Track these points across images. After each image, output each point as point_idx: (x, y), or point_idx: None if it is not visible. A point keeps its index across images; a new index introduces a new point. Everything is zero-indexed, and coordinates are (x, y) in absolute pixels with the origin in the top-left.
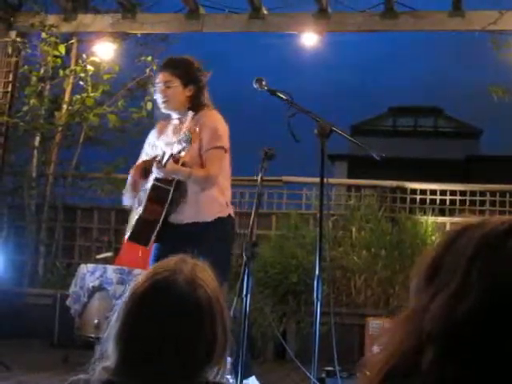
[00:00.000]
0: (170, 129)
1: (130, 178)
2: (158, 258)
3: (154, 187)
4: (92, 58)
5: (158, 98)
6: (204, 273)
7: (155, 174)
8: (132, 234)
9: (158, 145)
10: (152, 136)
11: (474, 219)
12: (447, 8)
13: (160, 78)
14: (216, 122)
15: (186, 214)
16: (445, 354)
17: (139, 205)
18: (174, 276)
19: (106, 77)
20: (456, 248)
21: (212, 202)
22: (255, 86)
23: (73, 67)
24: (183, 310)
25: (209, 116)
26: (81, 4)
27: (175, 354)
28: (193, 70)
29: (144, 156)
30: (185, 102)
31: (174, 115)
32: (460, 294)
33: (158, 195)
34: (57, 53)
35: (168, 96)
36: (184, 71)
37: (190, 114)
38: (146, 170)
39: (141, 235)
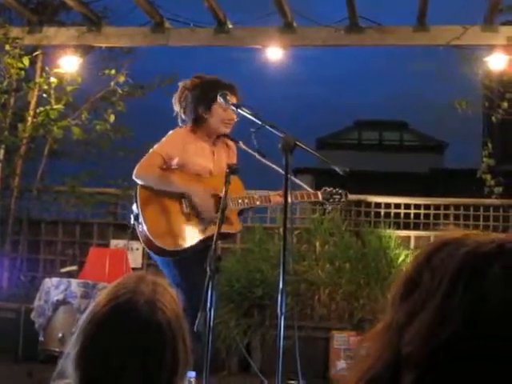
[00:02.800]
0: (207, 150)
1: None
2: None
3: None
4: (56, 70)
5: (229, 117)
6: (164, 293)
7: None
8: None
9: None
10: (186, 141)
11: (454, 233)
12: (412, 23)
13: (234, 100)
14: None
15: None
16: (424, 379)
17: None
18: (135, 298)
19: (69, 89)
20: (435, 263)
21: None
22: (220, 100)
23: (37, 79)
24: (144, 333)
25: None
26: (46, 17)
27: (137, 377)
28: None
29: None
30: None
31: (208, 133)
32: (441, 319)
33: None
34: (21, 65)
35: (234, 121)
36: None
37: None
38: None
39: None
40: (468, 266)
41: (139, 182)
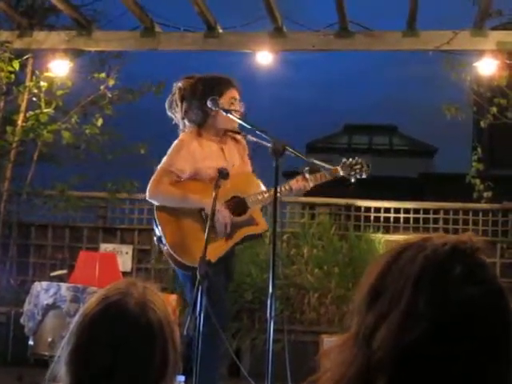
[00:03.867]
0: (217, 150)
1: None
2: None
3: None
4: (46, 74)
5: (236, 112)
6: (154, 296)
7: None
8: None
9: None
10: (192, 148)
11: (412, 237)
12: (402, 28)
13: (235, 93)
14: None
15: None
16: (396, 383)
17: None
18: (125, 299)
19: (59, 93)
20: (397, 269)
21: None
22: (209, 105)
23: (27, 83)
24: (134, 333)
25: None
26: (36, 20)
27: (127, 378)
28: None
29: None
30: None
31: (216, 131)
32: (407, 323)
33: None
34: (11, 69)
35: (241, 113)
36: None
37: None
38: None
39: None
40: (428, 270)
41: (153, 202)
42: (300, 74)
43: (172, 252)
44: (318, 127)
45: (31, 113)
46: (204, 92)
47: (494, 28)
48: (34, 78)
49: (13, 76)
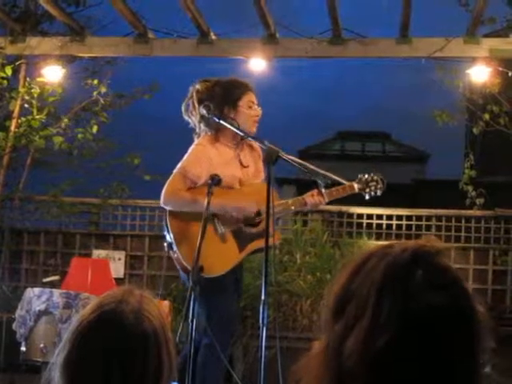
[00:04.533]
0: (233, 156)
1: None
2: None
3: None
4: (39, 79)
5: (255, 115)
6: (150, 304)
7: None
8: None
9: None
10: (209, 154)
11: (375, 246)
12: (395, 35)
13: (252, 97)
14: None
15: None
16: None
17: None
18: (121, 307)
19: (50, 99)
20: (361, 278)
21: None
22: (202, 111)
23: (20, 89)
24: (129, 341)
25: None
26: (29, 26)
27: None
28: None
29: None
30: None
31: (233, 137)
32: (373, 331)
33: None
34: (3, 74)
35: (259, 117)
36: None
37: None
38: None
39: None
40: (390, 278)
41: (167, 208)
42: (293, 80)
43: (182, 259)
44: (310, 134)
45: (23, 119)
46: (222, 96)
47: (487, 35)
48: (26, 83)
49: (5, 82)
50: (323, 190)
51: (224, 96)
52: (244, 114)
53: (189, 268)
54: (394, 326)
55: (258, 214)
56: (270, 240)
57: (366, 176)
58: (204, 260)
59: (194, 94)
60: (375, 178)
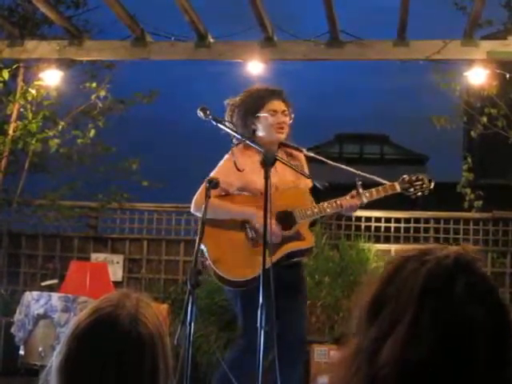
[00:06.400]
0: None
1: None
2: None
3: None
4: (36, 83)
5: (277, 122)
6: (147, 308)
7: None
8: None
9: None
10: (241, 162)
11: (412, 249)
12: (392, 37)
13: (276, 105)
14: None
15: None
16: None
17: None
18: (117, 311)
19: (46, 103)
20: (399, 282)
21: None
22: (200, 114)
23: (18, 93)
24: (124, 346)
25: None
26: (28, 30)
27: None
28: (291, 105)
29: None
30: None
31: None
32: (412, 340)
33: None
34: (0, 78)
35: (286, 124)
36: (291, 104)
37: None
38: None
39: None
40: (432, 284)
41: (197, 214)
42: (291, 83)
43: (214, 267)
44: (308, 136)
45: (20, 123)
46: (246, 106)
47: (484, 37)
48: (23, 87)
49: (2, 85)
50: (361, 191)
51: (247, 106)
52: (265, 122)
53: (221, 275)
54: (432, 337)
55: (286, 216)
56: (303, 244)
57: (411, 176)
58: (234, 264)
59: (228, 108)
60: (420, 177)
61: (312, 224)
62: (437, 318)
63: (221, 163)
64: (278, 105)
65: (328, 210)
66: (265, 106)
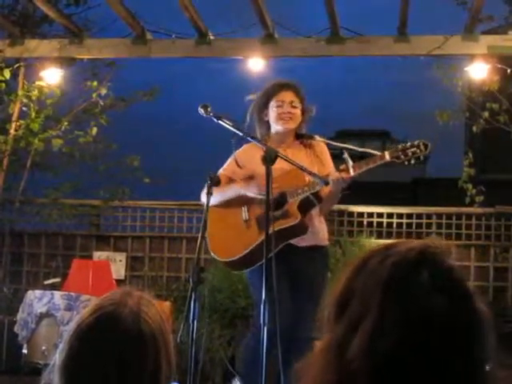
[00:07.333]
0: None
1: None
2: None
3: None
4: (38, 82)
5: (282, 113)
6: (149, 306)
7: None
8: None
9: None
10: (252, 152)
11: (377, 246)
12: (393, 33)
13: (284, 96)
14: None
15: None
16: None
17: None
18: (119, 310)
19: (49, 101)
20: (364, 276)
21: (324, 227)
22: (200, 111)
23: (19, 92)
24: (126, 344)
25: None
26: (28, 29)
27: None
28: (305, 97)
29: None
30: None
31: (279, 137)
32: (378, 332)
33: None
34: (1, 78)
35: (293, 114)
36: (304, 97)
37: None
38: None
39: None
40: (396, 277)
41: (207, 202)
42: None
43: (213, 252)
44: (309, 132)
45: (22, 122)
46: (259, 101)
47: (485, 32)
48: (25, 86)
49: (4, 85)
50: (350, 164)
51: (259, 100)
52: (273, 113)
53: (218, 259)
54: (398, 328)
55: (281, 196)
56: (289, 221)
57: (403, 145)
58: (226, 245)
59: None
60: (416, 143)
61: (307, 205)
62: (401, 309)
63: (236, 152)
64: (285, 95)
65: (317, 187)
66: (274, 97)
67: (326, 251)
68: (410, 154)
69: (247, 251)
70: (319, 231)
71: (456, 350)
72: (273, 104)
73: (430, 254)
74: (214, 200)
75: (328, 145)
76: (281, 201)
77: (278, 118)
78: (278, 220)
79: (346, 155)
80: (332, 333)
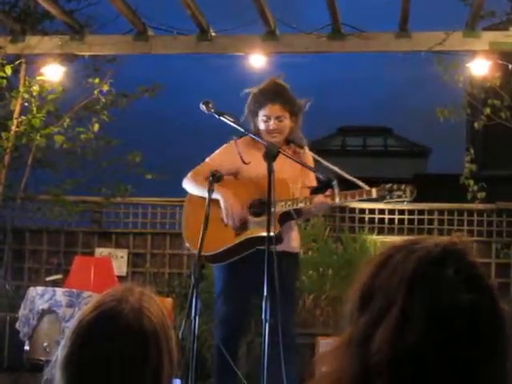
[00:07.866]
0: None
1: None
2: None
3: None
4: (39, 78)
5: (267, 129)
6: (151, 302)
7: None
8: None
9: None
10: (240, 149)
11: (401, 240)
12: (394, 29)
13: (270, 111)
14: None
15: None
16: None
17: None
18: (121, 306)
19: (50, 97)
20: (389, 271)
21: (297, 235)
22: (202, 108)
23: (20, 89)
24: (129, 339)
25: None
26: (29, 26)
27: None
28: (295, 101)
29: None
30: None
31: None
32: (402, 327)
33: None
34: (3, 74)
35: (280, 129)
36: (291, 103)
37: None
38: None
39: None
40: (421, 272)
41: (186, 189)
42: (293, 76)
43: (187, 241)
44: (311, 129)
45: (23, 118)
46: (249, 108)
47: (486, 28)
48: (26, 83)
49: (5, 81)
50: (336, 191)
51: (249, 108)
52: (261, 124)
53: (190, 248)
54: (423, 323)
55: (260, 204)
56: (262, 230)
57: (391, 185)
58: (197, 236)
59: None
60: (403, 187)
61: (286, 217)
62: (426, 305)
63: (223, 147)
64: (272, 110)
65: (301, 204)
66: (261, 109)
67: (297, 259)
68: (395, 196)
69: (221, 250)
70: (293, 239)
71: (479, 347)
72: (261, 115)
73: (455, 250)
74: (191, 189)
75: (316, 161)
76: (262, 208)
77: (266, 132)
78: (255, 228)
79: (335, 182)
80: (355, 326)
